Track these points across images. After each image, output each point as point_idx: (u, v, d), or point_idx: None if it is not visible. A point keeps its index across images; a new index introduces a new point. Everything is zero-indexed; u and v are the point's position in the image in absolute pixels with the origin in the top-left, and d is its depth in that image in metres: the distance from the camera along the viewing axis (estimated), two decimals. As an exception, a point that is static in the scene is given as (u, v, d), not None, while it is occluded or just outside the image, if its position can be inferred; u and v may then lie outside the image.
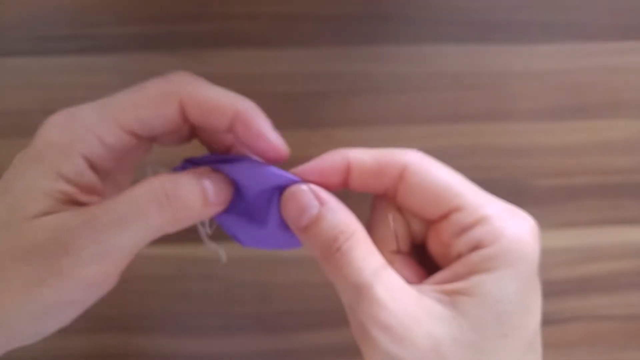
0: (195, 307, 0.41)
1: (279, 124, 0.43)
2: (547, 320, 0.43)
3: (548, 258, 0.43)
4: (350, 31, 0.43)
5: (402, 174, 0.22)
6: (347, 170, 0.23)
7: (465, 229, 0.21)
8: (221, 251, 0.25)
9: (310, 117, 0.43)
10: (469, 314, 0.19)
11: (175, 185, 0.20)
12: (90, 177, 0.21)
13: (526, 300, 0.20)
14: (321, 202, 0.21)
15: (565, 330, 0.43)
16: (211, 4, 0.43)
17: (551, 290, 0.43)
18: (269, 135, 0.23)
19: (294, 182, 0.22)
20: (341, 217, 0.21)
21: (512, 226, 0.20)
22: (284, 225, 0.23)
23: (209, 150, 0.26)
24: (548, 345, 0.44)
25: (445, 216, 0.21)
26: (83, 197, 0.21)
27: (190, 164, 0.24)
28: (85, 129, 0.21)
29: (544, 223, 0.43)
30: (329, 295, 0.45)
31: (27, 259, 0.19)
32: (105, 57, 0.43)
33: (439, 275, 0.21)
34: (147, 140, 0.23)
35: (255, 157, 0.24)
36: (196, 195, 0.21)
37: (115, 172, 0.23)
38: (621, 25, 0.45)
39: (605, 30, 0.44)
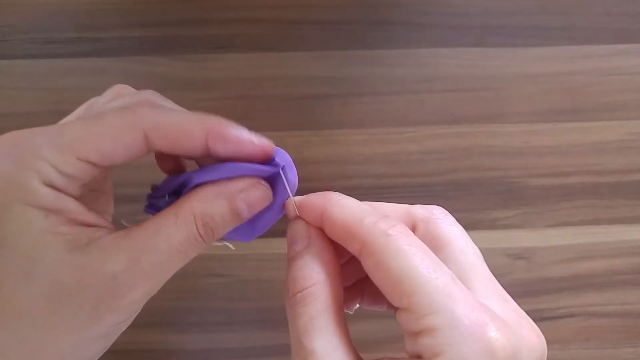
0: (199, 303, 0.42)
1: (281, 126, 0.44)
2: (542, 317, 0.44)
3: (543, 256, 0.44)
4: (350, 36, 0.44)
5: (360, 250, 0.20)
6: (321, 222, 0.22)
7: (411, 333, 0.19)
8: (227, 243, 0.26)
9: (311, 119, 0.44)
10: None
11: (209, 222, 0.21)
12: (70, 200, 0.20)
13: None
14: (309, 240, 0.22)
15: (559, 326, 0.43)
16: (214, 10, 0.44)
17: (546, 287, 0.44)
18: (251, 139, 0.21)
19: (273, 170, 0.22)
20: (313, 265, 0.21)
21: (456, 346, 0.17)
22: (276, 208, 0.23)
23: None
24: (542, 341, 0.45)
25: (399, 309, 0.19)
26: (83, 217, 0.20)
27: (156, 198, 0.23)
28: (37, 158, 0.19)
29: (539, 222, 0.44)
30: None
31: (81, 298, 0.19)
32: (111, 60, 0.43)
33: None
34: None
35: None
36: (230, 223, 0.21)
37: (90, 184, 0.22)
38: (615, 29, 0.45)
39: (599, 33, 0.45)
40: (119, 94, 0.25)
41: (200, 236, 0.21)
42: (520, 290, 0.43)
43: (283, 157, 0.23)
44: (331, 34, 0.44)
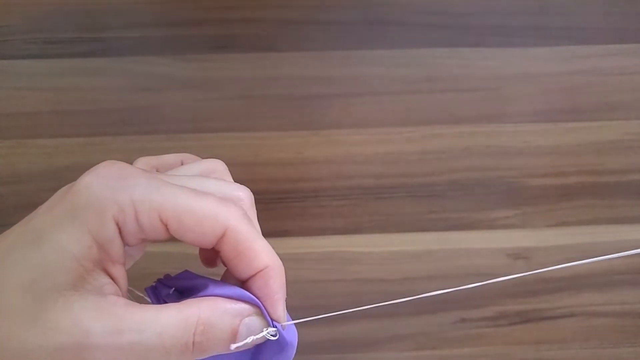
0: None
1: (281, 126, 0.44)
2: (542, 317, 0.44)
3: (543, 256, 0.44)
4: (350, 36, 0.44)
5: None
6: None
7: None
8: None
9: (311, 119, 0.44)
10: None
11: (208, 331, 0.20)
12: (118, 245, 0.20)
13: None
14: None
15: (559, 326, 0.44)
16: (214, 10, 0.44)
17: (546, 287, 0.44)
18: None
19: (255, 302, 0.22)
20: None
21: None
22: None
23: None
24: (543, 340, 0.45)
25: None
26: (110, 266, 0.20)
27: (163, 285, 0.24)
28: (129, 198, 0.19)
29: (539, 222, 0.44)
30: (328, 291, 0.46)
31: (51, 354, 0.18)
32: (111, 60, 0.43)
33: None
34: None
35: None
36: (223, 344, 0.21)
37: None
38: (614, 29, 0.45)
39: (599, 33, 0.45)
40: (213, 171, 0.26)
41: (192, 343, 0.20)
42: (520, 290, 0.44)
43: (291, 330, 0.23)
44: (331, 34, 0.44)
